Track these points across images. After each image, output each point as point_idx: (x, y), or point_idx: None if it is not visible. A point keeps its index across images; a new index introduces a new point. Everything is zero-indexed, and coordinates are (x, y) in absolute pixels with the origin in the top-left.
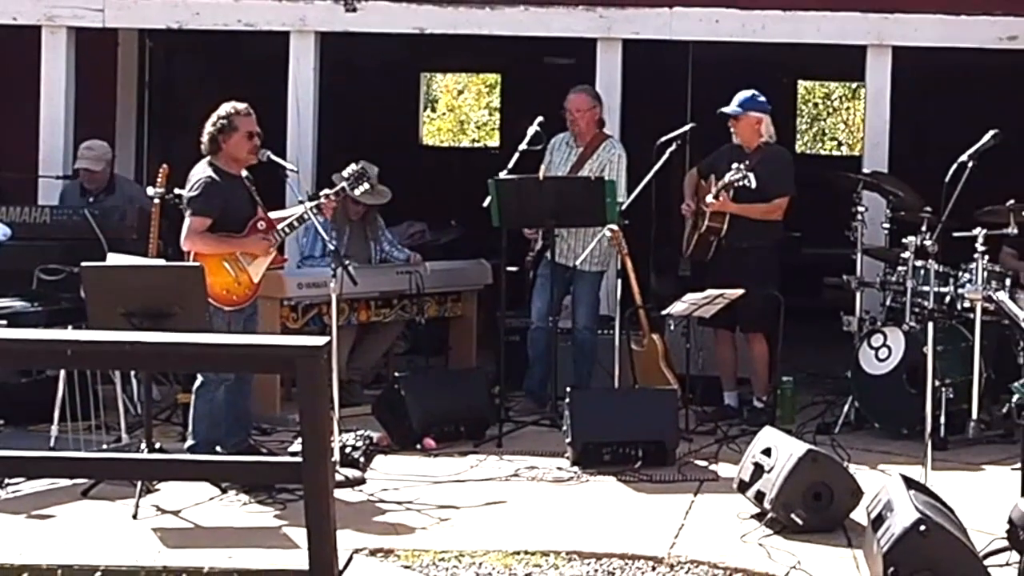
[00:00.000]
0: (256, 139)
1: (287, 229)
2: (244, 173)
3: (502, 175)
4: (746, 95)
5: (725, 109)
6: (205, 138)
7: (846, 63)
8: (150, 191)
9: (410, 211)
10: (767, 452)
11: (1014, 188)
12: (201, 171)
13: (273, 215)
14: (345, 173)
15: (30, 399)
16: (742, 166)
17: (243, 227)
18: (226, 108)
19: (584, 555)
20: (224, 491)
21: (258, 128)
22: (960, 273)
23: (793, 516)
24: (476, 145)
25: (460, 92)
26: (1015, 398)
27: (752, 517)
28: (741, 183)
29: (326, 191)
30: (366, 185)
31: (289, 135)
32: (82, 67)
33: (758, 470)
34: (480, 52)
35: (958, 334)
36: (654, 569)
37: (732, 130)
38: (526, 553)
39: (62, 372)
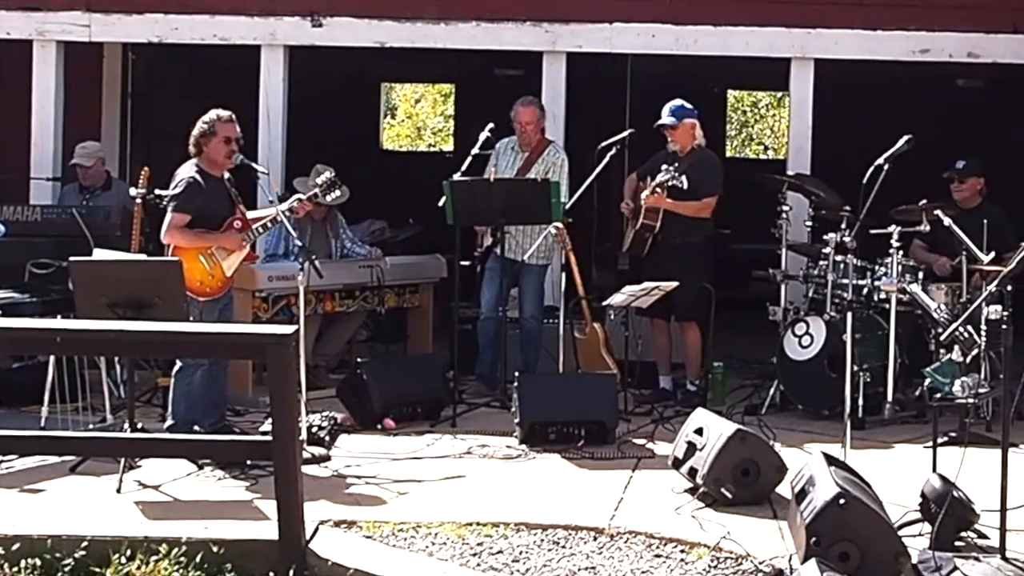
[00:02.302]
0: (234, 144)
1: (260, 229)
2: (226, 175)
3: (456, 177)
4: (676, 104)
5: (662, 121)
6: (191, 140)
7: (772, 74)
8: (132, 191)
9: (371, 210)
10: (699, 431)
11: (926, 188)
12: (186, 171)
13: (249, 215)
14: (319, 180)
15: (22, 382)
16: (671, 168)
17: (221, 224)
18: (211, 115)
19: (531, 526)
20: (201, 467)
21: (238, 134)
22: (877, 267)
23: (723, 490)
24: (432, 150)
25: (418, 101)
26: (927, 382)
27: (685, 491)
28: (671, 184)
29: (299, 195)
30: (337, 192)
31: (260, 140)
32: (70, 78)
33: (691, 448)
34: (436, 64)
35: (875, 323)
36: (595, 539)
37: (670, 139)
38: (478, 524)
39: (52, 358)
